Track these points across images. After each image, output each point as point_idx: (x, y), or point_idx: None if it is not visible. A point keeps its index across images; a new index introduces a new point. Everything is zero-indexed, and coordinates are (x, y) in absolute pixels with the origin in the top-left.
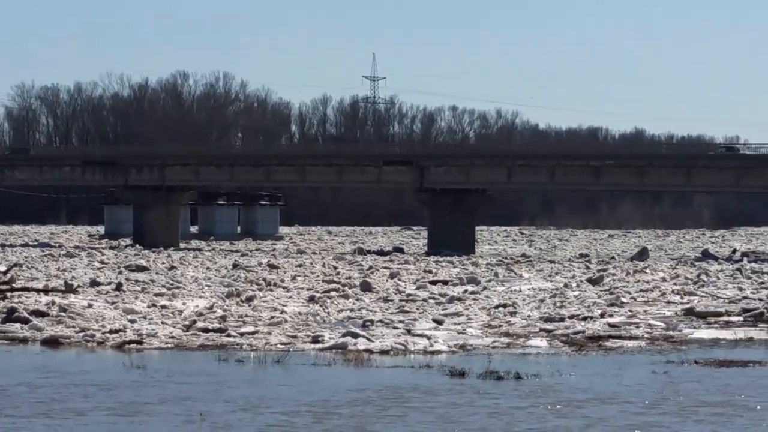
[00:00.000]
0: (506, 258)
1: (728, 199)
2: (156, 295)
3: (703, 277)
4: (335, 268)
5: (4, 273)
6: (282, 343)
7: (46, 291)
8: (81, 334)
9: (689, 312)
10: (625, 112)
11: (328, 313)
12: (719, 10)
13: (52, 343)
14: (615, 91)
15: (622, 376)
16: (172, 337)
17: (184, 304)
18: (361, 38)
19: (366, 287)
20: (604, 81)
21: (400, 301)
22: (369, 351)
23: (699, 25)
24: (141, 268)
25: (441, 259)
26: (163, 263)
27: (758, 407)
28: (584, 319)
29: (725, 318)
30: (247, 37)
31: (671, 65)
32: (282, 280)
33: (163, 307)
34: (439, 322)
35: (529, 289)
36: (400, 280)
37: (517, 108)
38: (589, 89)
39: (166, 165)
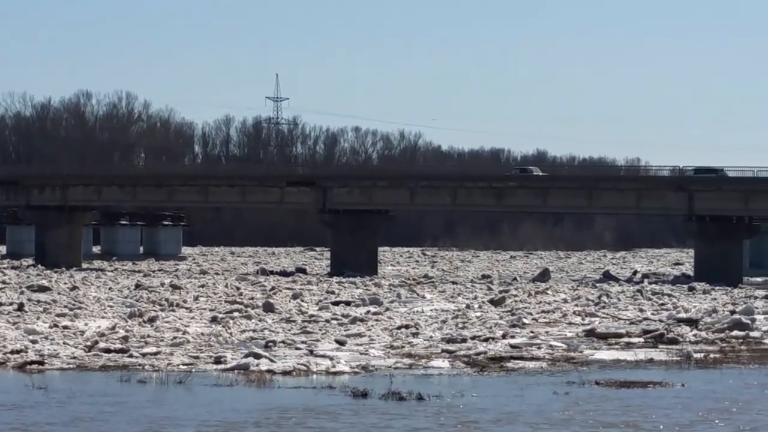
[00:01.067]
0: (409, 279)
1: (629, 221)
2: (58, 315)
3: (604, 298)
4: (238, 288)
5: None
6: (184, 364)
7: None
8: None
9: (590, 333)
10: (527, 133)
11: (231, 333)
12: (615, 31)
13: None
14: (517, 113)
15: (524, 397)
16: (74, 358)
17: (86, 324)
18: (265, 59)
19: (268, 308)
20: (506, 103)
21: (303, 321)
22: (271, 372)
23: (598, 46)
24: (43, 289)
25: (344, 279)
26: (65, 283)
27: (659, 427)
28: (486, 340)
29: (626, 339)
30: (150, 57)
31: (573, 87)
32: (184, 301)
33: (65, 327)
34: (341, 343)
35: (431, 310)
36: (302, 300)
37: (420, 129)
38: (492, 111)
39: (69, 185)
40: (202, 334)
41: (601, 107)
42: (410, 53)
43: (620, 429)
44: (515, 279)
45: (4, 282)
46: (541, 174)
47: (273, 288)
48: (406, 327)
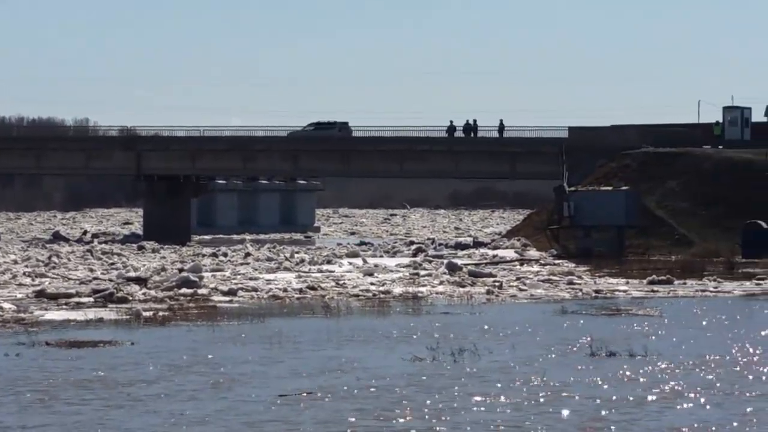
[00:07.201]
0: None
1: (79, 181)
2: None
3: (55, 258)
4: None
5: None
6: None
7: None
8: None
9: (41, 294)
10: None
11: None
12: None
13: None
14: None
15: None
16: None
17: None
18: None
19: None
20: None
21: None
22: None
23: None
24: None
25: None
26: None
27: (122, 383)
28: None
29: (76, 299)
30: None
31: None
32: None
33: None
34: None
35: None
36: None
37: None
38: None
39: None
40: None
41: (49, 68)
42: None
43: (82, 388)
44: None
45: None
46: None
47: None
48: None
